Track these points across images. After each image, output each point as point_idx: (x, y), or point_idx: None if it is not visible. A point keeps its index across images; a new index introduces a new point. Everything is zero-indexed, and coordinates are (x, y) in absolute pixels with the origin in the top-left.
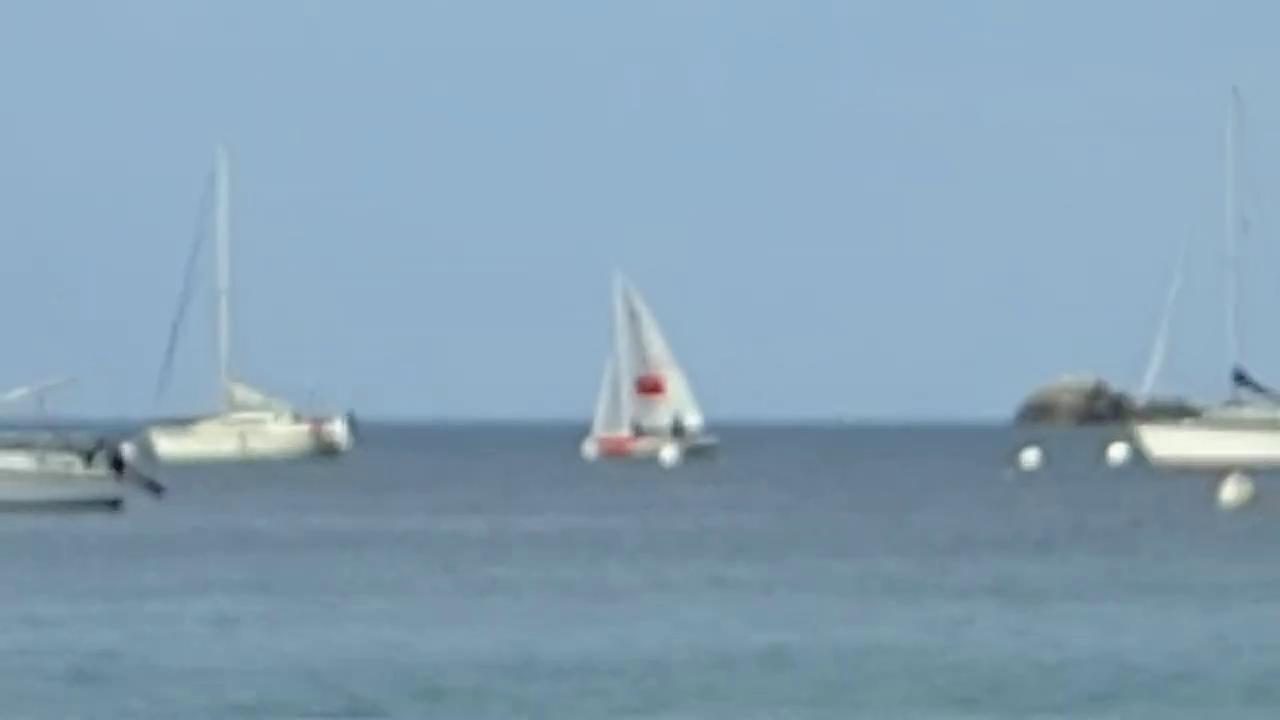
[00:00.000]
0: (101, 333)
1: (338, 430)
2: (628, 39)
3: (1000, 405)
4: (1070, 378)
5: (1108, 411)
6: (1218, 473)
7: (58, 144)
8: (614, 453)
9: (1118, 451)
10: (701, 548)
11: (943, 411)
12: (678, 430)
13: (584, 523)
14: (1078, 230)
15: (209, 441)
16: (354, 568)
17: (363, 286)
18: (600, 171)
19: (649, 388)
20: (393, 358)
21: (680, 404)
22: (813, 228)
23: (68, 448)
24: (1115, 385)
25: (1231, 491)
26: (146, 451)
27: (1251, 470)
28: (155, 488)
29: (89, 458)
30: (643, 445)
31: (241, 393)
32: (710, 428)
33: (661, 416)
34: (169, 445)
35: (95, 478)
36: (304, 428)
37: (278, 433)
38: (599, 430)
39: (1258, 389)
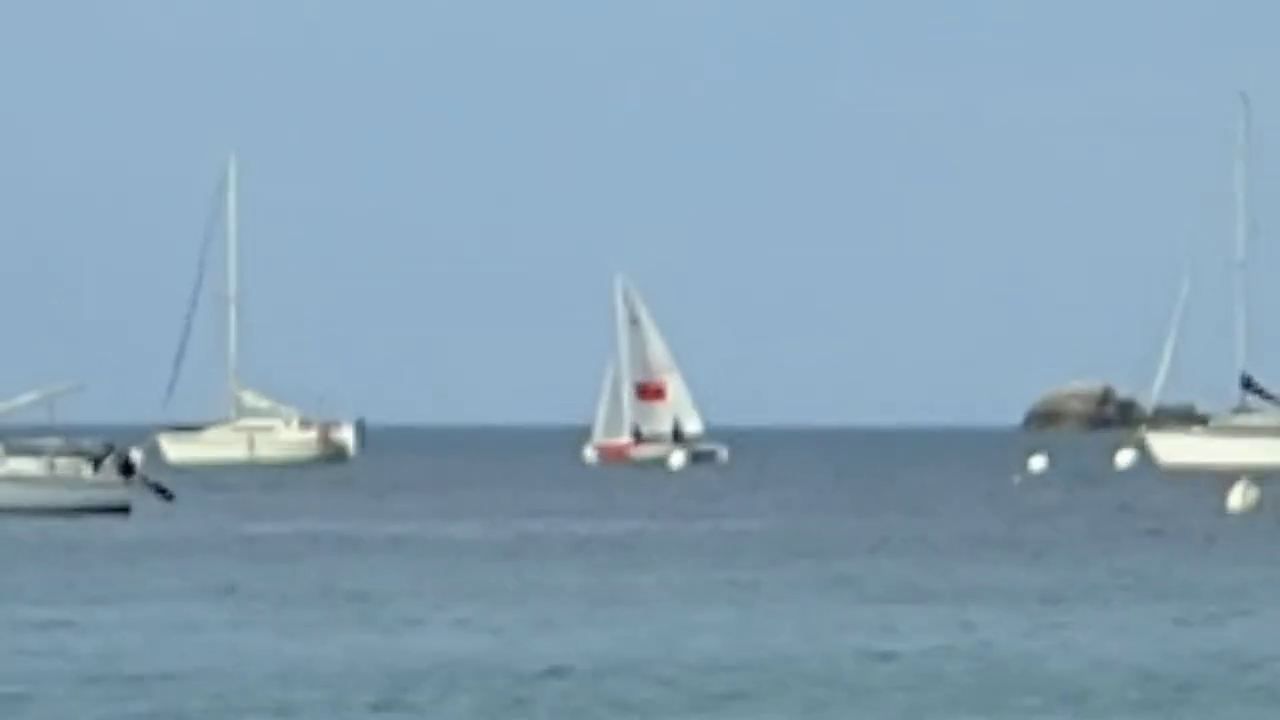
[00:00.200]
0: (110, 338)
1: (346, 436)
2: (629, 40)
3: (1008, 411)
4: (1078, 383)
5: (1115, 417)
6: (1226, 478)
7: (68, 149)
8: (614, 458)
9: (1125, 457)
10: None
11: (950, 417)
12: (678, 436)
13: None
14: (1085, 234)
15: (217, 447)
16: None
17: (370, 292)
18: (602, 174)
19: (650, 393)
20: (399, 363)
21: (681, 409)
22: (817, 230)
23: (77, 453)
24: (1123, 391)
25: (1239, 497)
26: (155, 457)
27: (1259, 476)
28: (164, 493)
29: (98, 463)
30: (642, 451)
31: (250, 399)
32: (713, 433)
33: (662, 422)
34: (177, 451)
35: (104, 483)
36: (312, 433)
37: (286, 438)
38: (599, 435)
39: (1265, 395)
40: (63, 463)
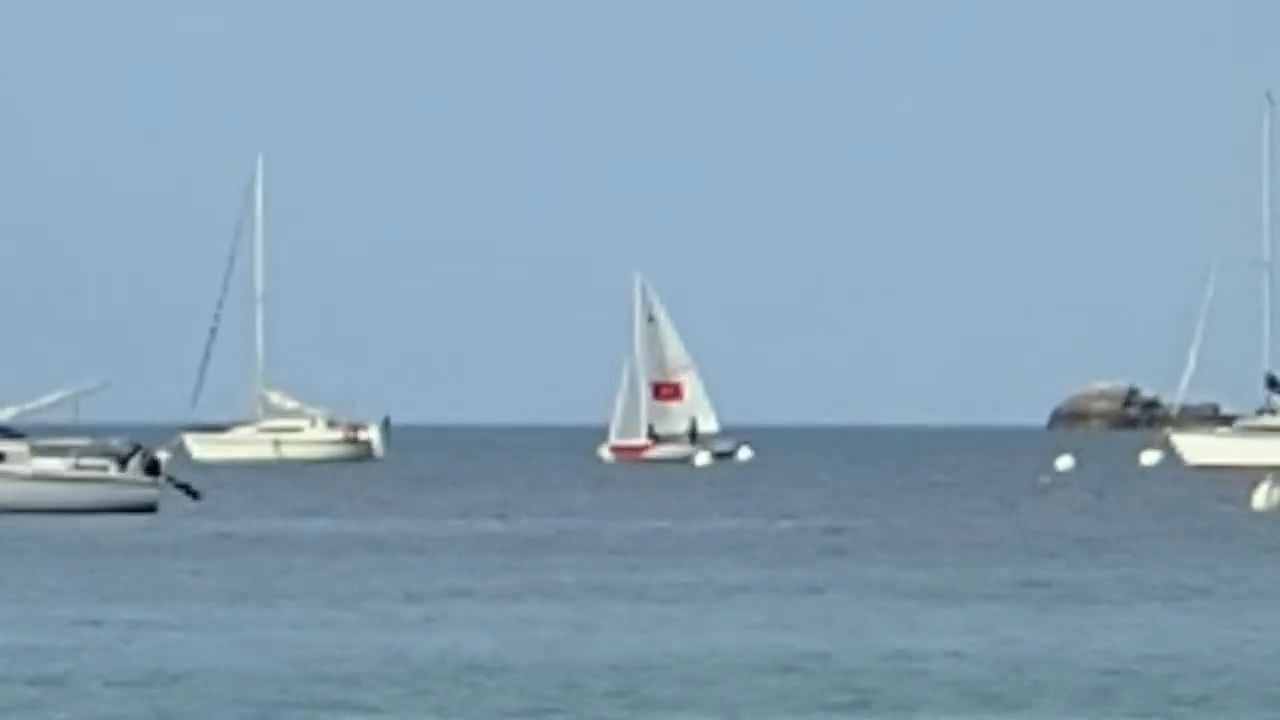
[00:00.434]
0: (137, 338)
1: (372, 435)
2: (648, 44)
3: (1033, 411)
4: (1104, 384)
5: (1140, 417)
6: (1251, 478)
7: (96, 149)
8: (629, 458)
9: (1150, 457)
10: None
11: (975, 417)
12: (694, 436)
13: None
14: (1111, 234)
15: (244, 447)
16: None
17: (396, 292)
18: (620, 174)
19: (666, 393)
20: (424, 362)
21: (697, 408)
22: (837, 230)
23: (103, 452)
24: (1149, 391)
25: (1264, 496)
26: (181, 457)
27: None
28: (191, 492)
29: (124, 462)
30: (658, 451)
31: (276, 398)
32: (729, 432)
33: (678, 422)
34: (203, 450)
35: (131, 482)
36: (338, 433)
37: (312, 438)
38: (615, 435)
39: None
40: (89, 462)
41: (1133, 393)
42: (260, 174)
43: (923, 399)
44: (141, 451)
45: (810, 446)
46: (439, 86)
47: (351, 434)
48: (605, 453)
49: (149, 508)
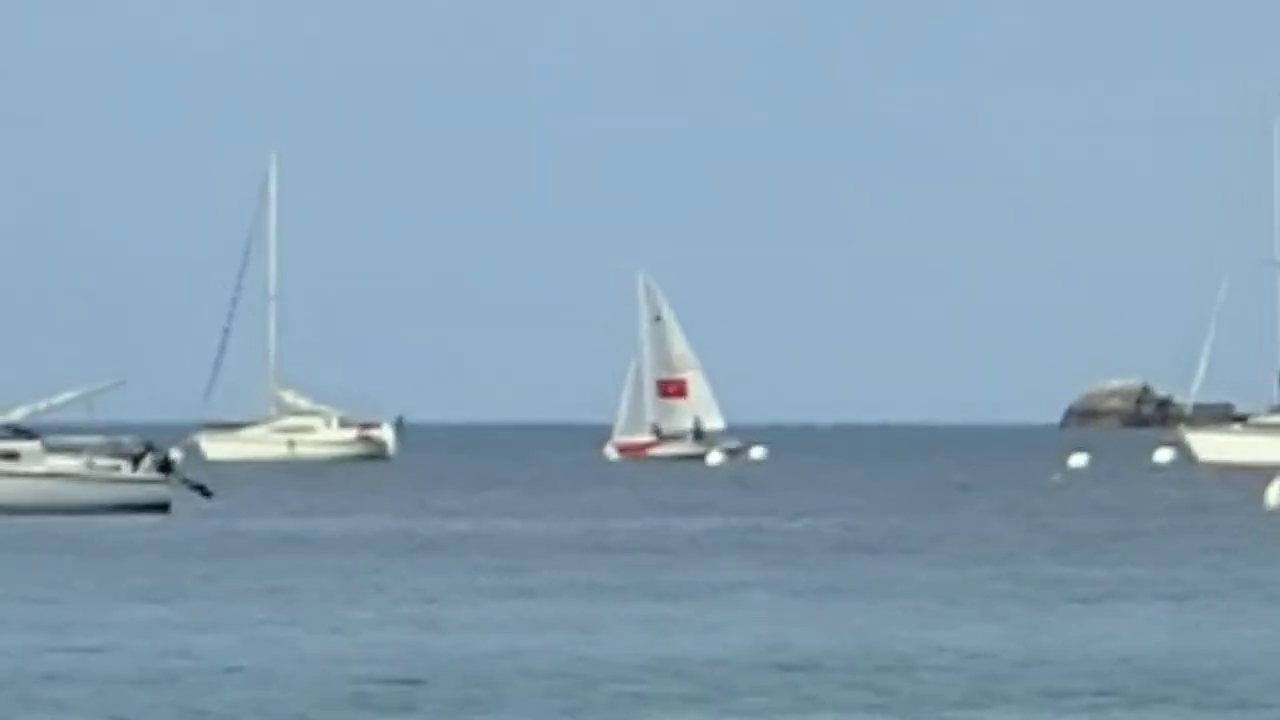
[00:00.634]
0: (151, 337)
1: (385, 434)
2: (650, 44)
3: (1046, 410)
4: (1117, 382)
5: (1153, 415)
6: (1264, 475)
7: (109, 150)
8: (634, 456)
9: (1163, 455)
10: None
11: (988, 415)
12: (698, 434)
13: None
14: (1124, 234)
15: (257, 446)
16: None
17: (408, 291)
18: (626, 172)
19: (671, 391)
20: (436, 361)
21: (702, 406)
22: (849, 228)
23: (116, 451)
24: (1162, 390)
25: (1277, 493)
26: (194, 455)
27: None
28: (204, 491)
29: (137, 461)
30: (663, 449)
31: (290, 397)
32: (739, 431)
33: (683, 420)
34: (217, 449)
35: (143, 480)
36: (351, 432)
37: (326, 437)
38: (620, 433)
39: None
40: (102, 460)
41: (1145, 391)
42: (273, 174)
43: (934, 398)
44: (154, 451)
45: (822, 446)
46: (447, 87)
47: (364, 433)
48: (610, 450)
49: (162, 507)
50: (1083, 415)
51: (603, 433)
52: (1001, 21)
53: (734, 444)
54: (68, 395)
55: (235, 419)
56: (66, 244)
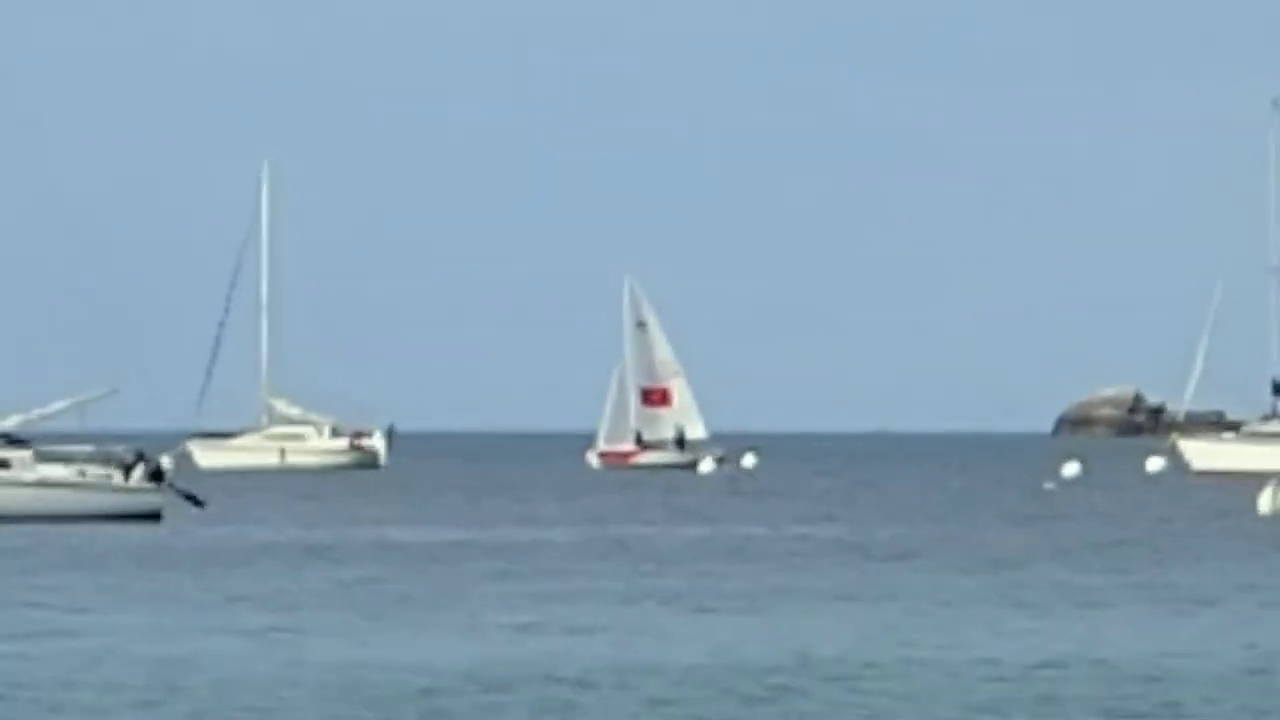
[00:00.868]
0: (143, 345)
1: (377, 443)
2: (639, 49)
3: (1038, 418)
4: (1109, 390)
5: (1146, 424)
6: (1257, 483)
7: (102, 157)
8: (616, 464)
9: (1155, 463)
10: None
11: (980, 424)
12: (680, 442)
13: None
14: (1117, 241)
15: (249, 454)
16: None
17: (398, 300)
18: (612, 181)
19: (655, 398)
20: (428, 369)
21: (685, 415)
22: (838, 237)
23: (108, 460)
24: (1155, 397)
25: (1269, 500)
26: (186, 464)
27: None
28: (195, 501)
29: (128, 470)
30: (645, 457)
31: (281, 406)
32: (734, 439)
33: (666, 428)
34: (208, 458)
35: (135, 489)
36: (343, 441)
37: (317, 446)
38: (602, 441)
39: None
40: (93, 469)
41: (1138, 399)
42: (265, 181)
43: (925, 406)
44: (145, 459)
45: (811, 454)
46: (438, 96)
47: (356, 442)
48: (592, 458)
49: (153, 515)
50: (1075, 423)
51: (586, 441)
52: (993, 29)
53: (718, 452)
54: (60, 404)
55: (227, 428)
56: (57, 252)
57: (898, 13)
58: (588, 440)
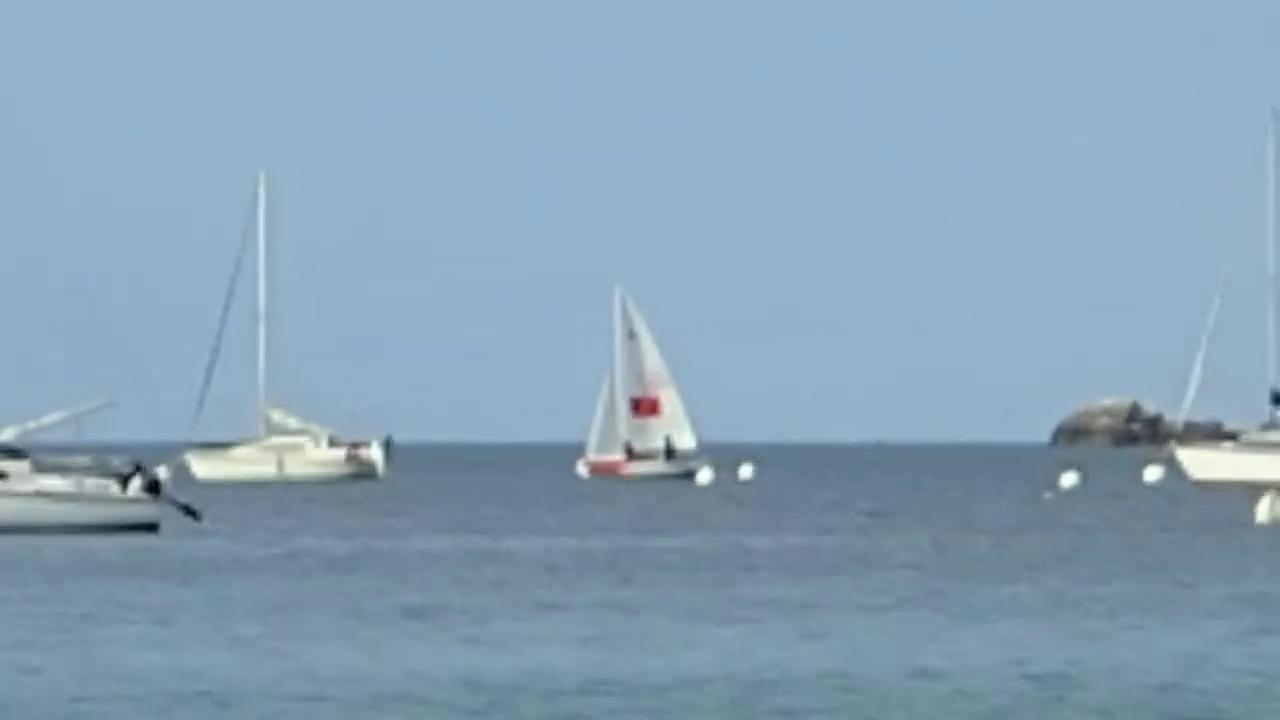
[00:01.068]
0: (140, 356)
1: (375, 454)
2: (631, 57)
3: (1035, 428)
4: (1107, 400)
5: (1143, 433)
6: (1255, 492)
7: (98, 166)
8: (606, 475)
9: (1153, 473)
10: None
11: (977, 434)
12: (670, 452)
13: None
14: (1115, 249)
15: (246, 465)
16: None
17: (398, 308)
18: (603, 190)
19: (644, 408)
20: (425, 379)
21: (675, 425)
22: (833, 247)
23: (105, 471)
24: (1153, 407)
25: (1267, 510)
26: (183, 475)
27: None
28: (192, 513)
29: (126, 481)
30: (635, 467)
31: (279, 417)
32: (727, 450)
33: (655, 438)
34: (205, 469)
35: (132, 501)
36: (341, 452)
37: (315, 457)
38: (592, 452)
39: None
40: (91, 481)
41: (1136, 408)
42: (262, 190)
43: (921, 416)
44: (143, 471)
45: (813, 465)
46: (435, 107)
47: (354, 453)
48: (582, 469)
49: (150, 527)
50: (1073, 433)
51: (576, 451)
52: (989, 38)
53: (708, 462)
54: (57, 415)
55: (224, 438)
56: (53, 261)
57: (898, 16)
58: (577, 451)
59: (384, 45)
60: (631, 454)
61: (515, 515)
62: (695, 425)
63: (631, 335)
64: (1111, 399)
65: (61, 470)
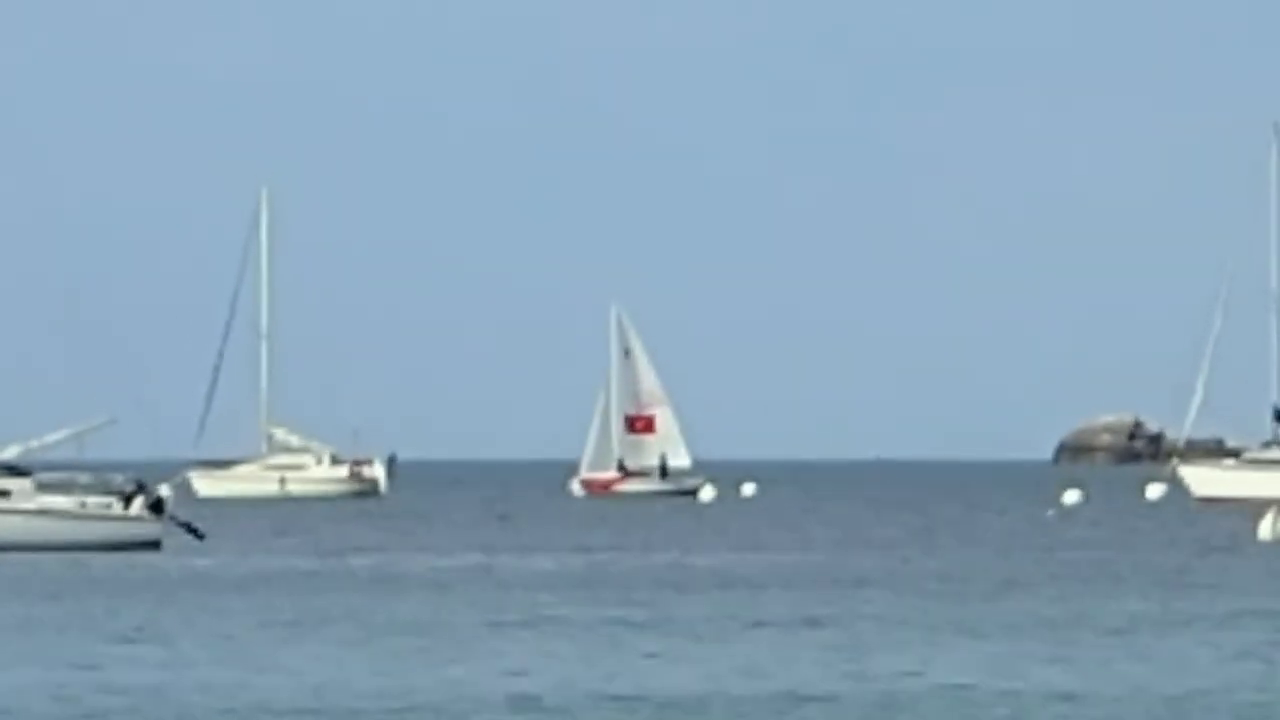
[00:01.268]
0: (142, 374)
1: (377, 472)
2: (627, 73)
3: (1037, 445)
4: (1108, 417)
5: (1145, 451)
6: (1258, 509)
7: (100, 182)
8: (599, 493)
9: (1155, 490)
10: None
11: (979, 451)
12: (664, 471)
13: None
14: (1116, 266)
15: (248, 483)
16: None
17: (401, 326)
18: (610, 191)
19: (639, 426)
20: (427, 397)
21: (669, 443)
22: (832, 264)
23: (107, 489)
24: (1155, 424)
25: (1269, 527)
26: (185, 493)
27: None
28: (195, 532)
29: (128, 499)
30: (628, 485)
31: (281, 435)
32: (724, 468)
33: (650, 456)
34: (208, 487)
35: (134, 519)
36: (343, 470)
37: (317, 475)
38: (585, 469)
39: None
40: (93, 499)
41: (1138, 426)
42: (265, 208)
43: (923, 433)
44: (145, 489)
45: (813, 483)
46: (436, 123)
47: (356, 470)
48: (575, 486)
49: (153, 545)
50: (1074, 451)
51: (569, 469)
52: (989, 39)
53: (703, 480)
54: (59, 433)
55: (226, 457)
56: (55, 278)
57: (898, 16)
58: (571, 468)
59: (387, 63)
60: (625, 471)
61: (507, 532)
62: (690, 442)
63: (627, 353)
64: (1113, 416)
65: (64, 489)
